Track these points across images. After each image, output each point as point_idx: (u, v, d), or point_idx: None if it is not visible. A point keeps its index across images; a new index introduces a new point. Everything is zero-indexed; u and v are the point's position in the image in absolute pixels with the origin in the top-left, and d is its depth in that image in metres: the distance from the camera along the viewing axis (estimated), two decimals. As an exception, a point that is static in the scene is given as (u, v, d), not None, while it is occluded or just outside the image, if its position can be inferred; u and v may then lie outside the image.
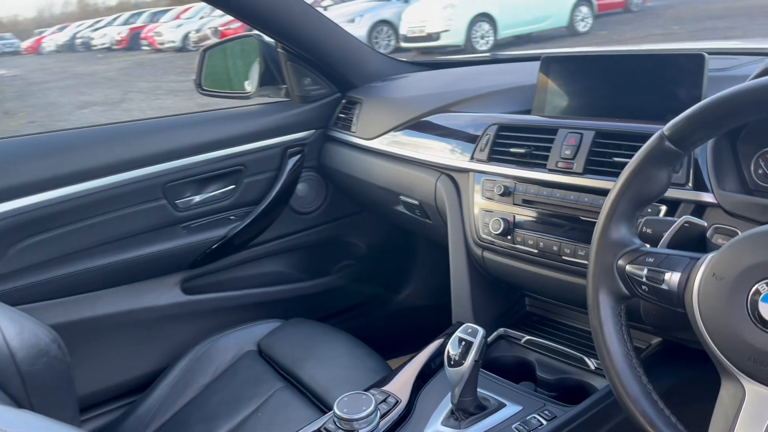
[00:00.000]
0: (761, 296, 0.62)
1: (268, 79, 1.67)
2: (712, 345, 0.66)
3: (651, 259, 0.72)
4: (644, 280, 0.72)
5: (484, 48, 10.05)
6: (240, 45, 1.72)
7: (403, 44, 10.83)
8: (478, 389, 1.03)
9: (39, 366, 1.17)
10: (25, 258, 1.36)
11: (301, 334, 1.44)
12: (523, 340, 1.17)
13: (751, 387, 0.64)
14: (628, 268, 0.74)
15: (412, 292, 1.89)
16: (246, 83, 1.71)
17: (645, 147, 0.73)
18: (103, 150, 1.44)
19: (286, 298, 1.70)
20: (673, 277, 0.70)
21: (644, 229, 0.83)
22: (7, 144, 1.41)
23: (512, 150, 1.13)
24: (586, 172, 1.02)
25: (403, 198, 1.43)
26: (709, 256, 0.68)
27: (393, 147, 1.43)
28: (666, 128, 0.72)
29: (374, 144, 1.49)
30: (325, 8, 13.27)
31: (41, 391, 1.18)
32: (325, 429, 0.99)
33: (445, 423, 0.99)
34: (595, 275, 0.77)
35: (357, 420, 0.97)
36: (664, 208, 0.94)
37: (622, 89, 1.11)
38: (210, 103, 1.70)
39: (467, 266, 1.22)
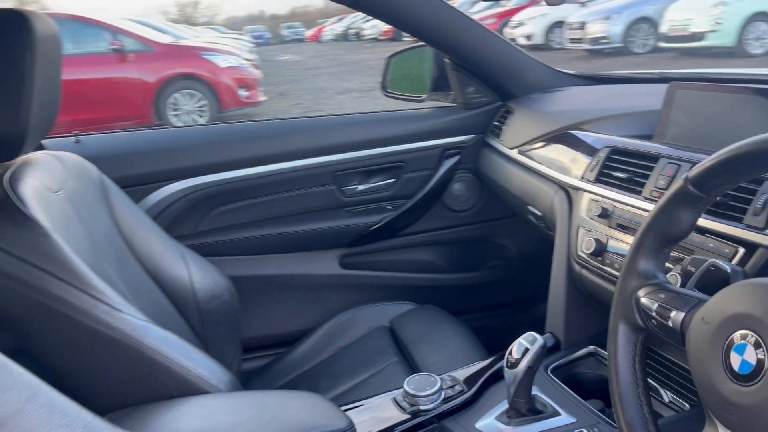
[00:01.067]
0: (734, 346, 0.63)
1: (439, 86, 1.83)
2: (696, 386, 0.68)
3: (663, 295, 0.75)
4: (653, 314, 0.75)
5: (759, 51, 8.90)
6: (418, 53, 1.90)
7: (662, 44, 10.06)
8: (541, 394, 1.10)
9: (213, 305, 1.49)
10: (220, 220, 1.72)
11: (427, 320, 1.59)
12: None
13: (722, 430, 0.65)
14: (643, 300, 0.77)
15: None
16: (420, 88, 1.89)
17: (670, 189, 0.75)
18: (290, 139, 1.74)
19: (427, 286, 1.86)
20: (677, 316, 0.72)
21: (688, 266, 0.84)
22: (220, 129, 1.78)
23: (615, 173, 1.15)
24: (676, 204, 1.01)
25: (530, 208, 1.49)
26: (708, 300, 0.69)
27: (526, 158, 1.50)
28: (690, 172, 0.73)
29: (513, 153, 1.57)
30: (582, 4, 12.83)
31: (213, 326, 1.50)
32: (394, 399, 1.14)
33: (498, 418, 1.07)
34: (617, 302, 0.81)
35: (420, 397, 1.11)
36: (742, 251, 0.90)
37: (745, 121, 1.05)
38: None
39: (566, 281, 1.26)
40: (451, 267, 1.91)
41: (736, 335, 0.63)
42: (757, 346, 0.61)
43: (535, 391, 1.09)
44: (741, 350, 0.62)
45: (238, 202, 1.74)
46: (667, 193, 0.75)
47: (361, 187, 1.81)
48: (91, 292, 1.03)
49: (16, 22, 1.04)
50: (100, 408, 1.10)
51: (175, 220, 1.67)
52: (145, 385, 1.07)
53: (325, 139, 1.75)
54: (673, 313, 0.72)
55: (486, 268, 1.93)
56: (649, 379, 1.11)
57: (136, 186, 1.59)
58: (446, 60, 1.76)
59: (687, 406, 1.03)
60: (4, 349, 0.51)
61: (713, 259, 0.76)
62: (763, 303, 0.61)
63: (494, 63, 1.70)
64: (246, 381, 1.59)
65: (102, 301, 1.04)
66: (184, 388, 1.09)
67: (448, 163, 1.81)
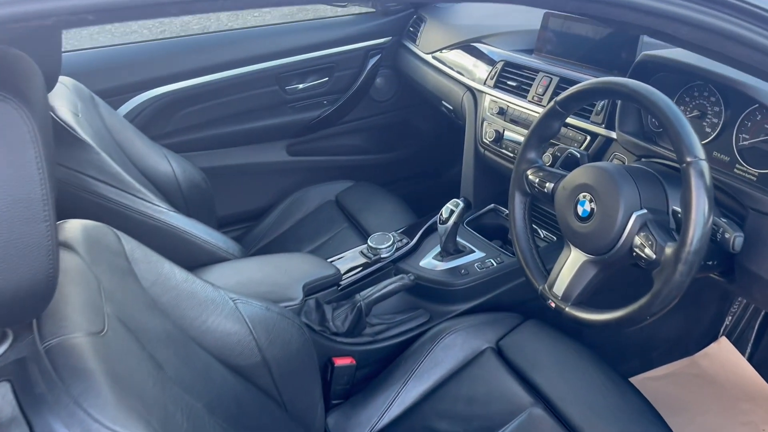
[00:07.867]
0: (579, 201, 1.13)
1: (361, -7, 2.15)
2: (560, 226, 1.18)
3: (541, 173, 1.23)
4: (536, 185, 1.23)
5: None
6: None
7: None
8: (462, 240, 1.60)
9: (194, 193, 1.85)
10: (185, 121, 2.02)
11: (365, 192, 2.04)
12: (505, 213, 1.71)
13: (573, 250, 1.17)
14: (530, 177, 1.25)
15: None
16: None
17: (546, 108, 1.21)
18: (236, 49, 2.03)
19: (360, 165, 2.30)
20: (549, 185, 1.20)
21: (556, 152, 1.33)
22: (175, 43, 2.03)
23: (508, 82, 1.60)
24: (549, 105, 1.48)
25: (443, 102, 1.93)
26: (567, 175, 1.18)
27: (440, 63, 1.91)
28: (558, 97, 1.18)
29: (428, 57, 1.97)
30: None
31: (197, 209, 1.85)
32: (361, 252, 1.60)
33: (434, 258, 1.57)
34: (514, 179, 1.29)
35: (380, 248, 1.58)
36: (588, 138, 1.40)
37: (597, 42, 1.52)
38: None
39: (474, 160, 1.74)
40: (377, 148, 2.34)
41: (581, 195, 1.12)
42: (591, 201, 1.10)
43: (457, 238, 1.59)
44: (582, 204, 1.12)
45: (197, 105, 2.04)
46: (543, 111, 1.21)
47: (300, 86, 2.15)
48: (136, 194, 1.39)
49: None
50: None
51: (147, 123, 1.96)
52: (184, 258, 1.46)
53: (267, 47, 2.05)
54: (547, 184, 1.21)
55: (405, 146, 2.39)
56: (533, 225, 1.65)
57: (112, 97, 1.85)
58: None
59: (555, 238, 1.57)
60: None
61: (571, 149, 1.25)
62: (594, 177, 1.10)
63: None
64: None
65: (144, 199, 1.40)
66: (211, 257, 1.50)
67: (371, 62, 2.18)
